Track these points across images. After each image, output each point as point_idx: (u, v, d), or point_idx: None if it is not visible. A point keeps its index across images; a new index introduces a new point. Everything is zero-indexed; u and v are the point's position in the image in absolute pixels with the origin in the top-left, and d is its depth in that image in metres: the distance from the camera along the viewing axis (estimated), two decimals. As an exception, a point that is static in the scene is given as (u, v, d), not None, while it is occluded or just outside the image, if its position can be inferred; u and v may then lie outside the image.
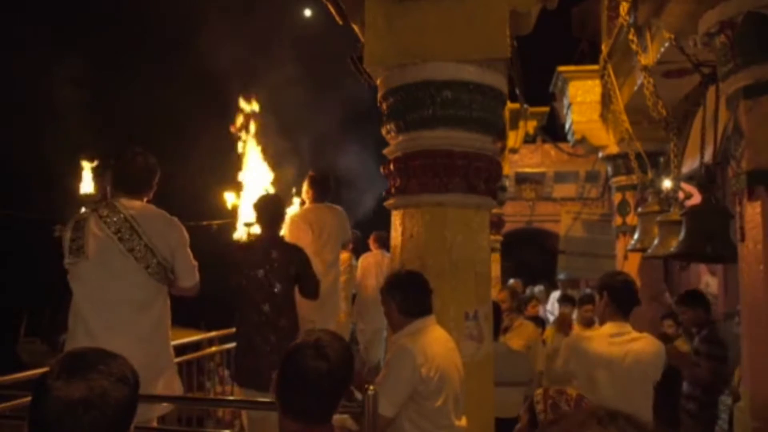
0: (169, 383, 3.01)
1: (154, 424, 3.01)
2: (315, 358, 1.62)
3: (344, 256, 5.82)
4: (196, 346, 5.15)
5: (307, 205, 4.87)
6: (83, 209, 3.10)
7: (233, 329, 5.16)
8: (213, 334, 5.30)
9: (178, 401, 3.72)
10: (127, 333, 2.81)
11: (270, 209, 4.02)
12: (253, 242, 4.09)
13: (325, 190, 4.87)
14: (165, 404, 3.07)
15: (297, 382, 1.62)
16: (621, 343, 2.97)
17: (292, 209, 5.15)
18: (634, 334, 3.04)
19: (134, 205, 2.95)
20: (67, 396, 1.17)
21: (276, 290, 3.79)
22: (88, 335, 2.75)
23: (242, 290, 3.77)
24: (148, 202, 3.08)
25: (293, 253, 3.94)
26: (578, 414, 1.02)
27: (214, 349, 5.18)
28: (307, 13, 13.26)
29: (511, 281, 9.00)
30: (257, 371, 3.52)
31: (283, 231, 4.52)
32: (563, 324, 6.03)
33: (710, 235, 3.91)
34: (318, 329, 1.79)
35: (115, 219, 2.88)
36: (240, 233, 4.81)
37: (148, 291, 2.92)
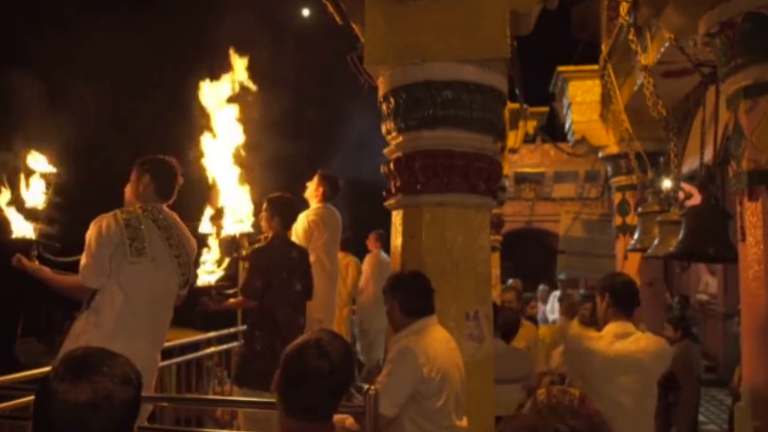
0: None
1: (146, 423, 3.03)
2: (317, 357, 1.62)
3: (340, 255, 5.85)
4: (194, 346, 5.14)
5: (318, 204, 4.89)
6: (126, 208, 3.03)
7: (231, 329, 5.18)
8: (212, 334, 5.30)
9: (178, 401, 3.73)
10: (164, 333, 3.02)
11: (289, 210, 4.11)
12: (271, 244, 4.05)
13: (335, 190, 4.93)
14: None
15: (299, 381, 1.63)
16: (625, 343, 2.97)
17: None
18: (638, 333, 3.04)
19: (168, 213, 3.07)
20: (73, 399, 1.17)
21: (297, 290, 3.91)
22: (140, 336, 2.80)
23: (267, 293, 3.80)
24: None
25: (304, 252, 4.10)
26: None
27: (212, 349, 5.17)
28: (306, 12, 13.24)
29: (510, 281, 9.00)
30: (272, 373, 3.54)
31: (298, 230, 4.57)
32: (570, 309, 6.07)
33: (710, 235, 3.91)
34: (320, 329, 1.80)
35: (165, 224, 2.99)
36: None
37: (176, 294, 3.08)
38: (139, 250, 2.87)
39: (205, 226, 3.94)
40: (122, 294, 2.84)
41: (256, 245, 4.03)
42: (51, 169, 3.21)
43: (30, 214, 3.12)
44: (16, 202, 3.12)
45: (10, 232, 3.06)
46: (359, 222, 7.64)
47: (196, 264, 3.34)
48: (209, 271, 3.73)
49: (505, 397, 3.60)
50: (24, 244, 3.04)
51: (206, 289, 3.58)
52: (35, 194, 3.16)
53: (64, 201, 3.26)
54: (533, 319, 6.39)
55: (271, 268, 3.86)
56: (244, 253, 4.43)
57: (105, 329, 2.80)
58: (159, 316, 2.96)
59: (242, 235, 4.42)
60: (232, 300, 4.00)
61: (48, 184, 3.19)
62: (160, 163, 3.11)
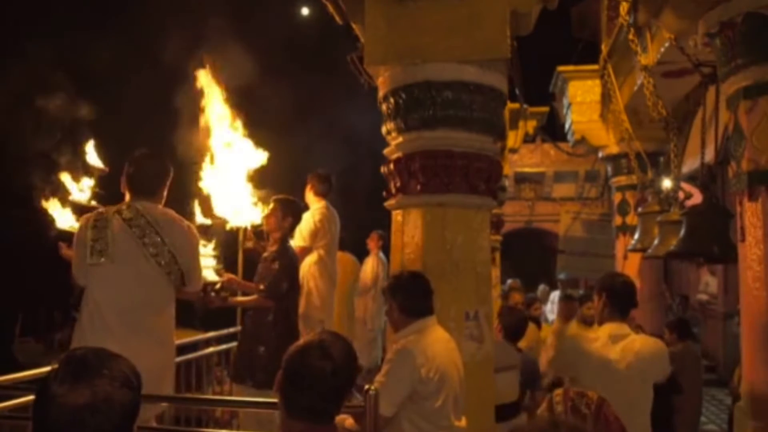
0: (170, 383, 3.05)
1: (153, 423, 3.01)
2: (320, 358, 1.62)
3: (339, 254, 5.88)
4: (193, 346, 5.14)
5: (318, 203, 4.91)
6: (100, 209, 3.04)
7: (231, 329, 5.18)
8: (211, 334, 5.29)
9: (178, 401, 3.71)
10: (147, 336, 2.86)
11: (300, 213, 4.21)
12: (287, 246, 4.12)
13: (327, 185, 5.00)
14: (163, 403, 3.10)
15: (302, 381, 1.63)
16: (621, 344, 2.97)
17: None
18: (633, 335, 3.03)
19: (156, 210, 2.96)
20: (73, 403, 1.17)
21: (298, 293, 4.06)
22: (110, 337, 2.73)
23: (289, 294, 3.89)
24: (164, 203, 3.08)
25: None
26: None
27: (212, 349, 5.16)
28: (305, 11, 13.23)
29: (510, 281, 9.00)
30: None
31: (303, 231, 4.62)
32: (568, 311, 6.09)
33: (711, 234, 3.91)
34: (323, 330, 1.80)
35: (140, 222, 2.88)
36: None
37: (165, 295, 2.96)
38: (100, 252, 2.83)
39: (200, 217, 3.98)
40: (92, 296, 2.84)
41: (275, 247, 4.03)
42: (98, 164, 3.28)
43: (74, 206, 3.18)
44: (63, 193, 3.20)
45: (53, 222, 3.10)
46: (358, 222, 7.67)
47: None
48: (205, 266, 3.74)
49: (501, 384, 3.59)
50: (67, 235, 3.10)
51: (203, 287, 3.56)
52: (81, 186, 3.23)
53: (108, 194, 3.29)
54: (536, 320, 6.38)
55: (295, 270, 3.98)
56: (249, 245, 4.46)
57: (85, 331, 2.83)
58: (138, 317, 2.84)
59: (253, 227, 4.45)
60: (245, 298, 4.00)
61: (91, 176, 3.26)
62: (134, 160, 3.05)
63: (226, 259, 4.07)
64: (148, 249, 2.86)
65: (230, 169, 4.17)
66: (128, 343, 2.62)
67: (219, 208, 4.08)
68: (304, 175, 5.16)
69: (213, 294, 3.70)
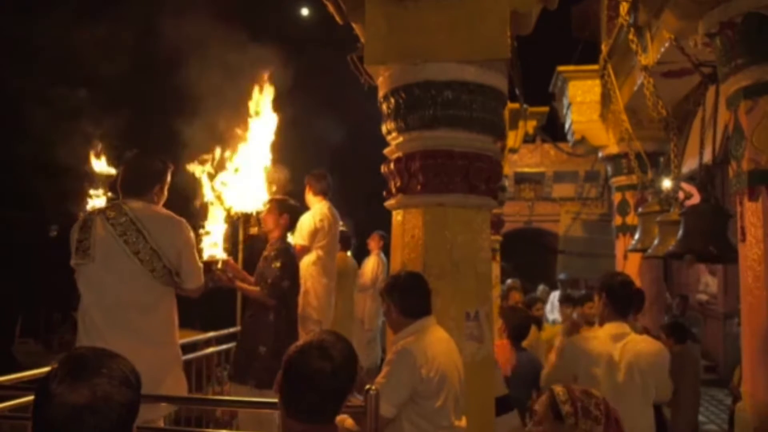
0: (176, 383, 3.00)
1: (161, 423, 3.00)
2: (320, 358, 1.62)
3: (341, 255, 5.88)
4: (193, 346, 5.13)
5: (320, 202, 4.91)
6: (90, 209, 3.10)
7: (231, 329, 5.18)
8: (211, 334, 5.29)
9: (178, 401, 3.70)
10: (135, 335, 2.82)
11: (296, 213, 4.26)
12: (287, 245, 4.18)
13: (324, 183, 5.04)
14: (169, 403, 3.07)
15: (301, 382, 1.62)
16: (621, 344, 2.97)
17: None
18: (635, 335, 3.03)
19: (140, 207, 2.93)
20: (72, 402, 1.17)
21: (298, 292, 4.09)
22: (98, 337, 2.75)
23: (291, 293, 3.92)
24: (162, 203, 3.06)
25: None
26: None
27: (212, 349, 5.16)
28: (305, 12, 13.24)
29: (509, 281, 9.00)
30: None
31: (303, 231, 4.63)
32: (573, 329, 6.08)
33: (709, 234, 3.91)
34: (323, 330, 1.80)
35: (121, 221, 2.87)
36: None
37: (154, 293, 2.92)
38: (84, 252, 2.84)
39: (207, 195, 4.01)
40: (82, 296, 2.86)
41: (276, 245, 4.04)
42: (106, 169, 3.32)
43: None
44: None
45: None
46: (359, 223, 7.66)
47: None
48: (213, 244, 3.75)
49: None
50: None
51: (208, 265, 3.54)
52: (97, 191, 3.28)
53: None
54: (538, 321, 6.37)
55: (296, 268, 4.01)
56: (254, 231, 4.50)
57: (79, 331, 2.85)
58: (123, 316, 2.82)
59: (258, 212, 4.48)
60: (249, 286, 4.00)
61: (99, 185, 3.30)
62: (125, 160, 3.08)
63: (227, 249, 4.09)
64: (130, 247, 2.84)
65: (244, 156, 4.26)
66: (117, 342, 2.56)
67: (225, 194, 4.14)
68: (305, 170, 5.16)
69: (219, 272, 3.69)
